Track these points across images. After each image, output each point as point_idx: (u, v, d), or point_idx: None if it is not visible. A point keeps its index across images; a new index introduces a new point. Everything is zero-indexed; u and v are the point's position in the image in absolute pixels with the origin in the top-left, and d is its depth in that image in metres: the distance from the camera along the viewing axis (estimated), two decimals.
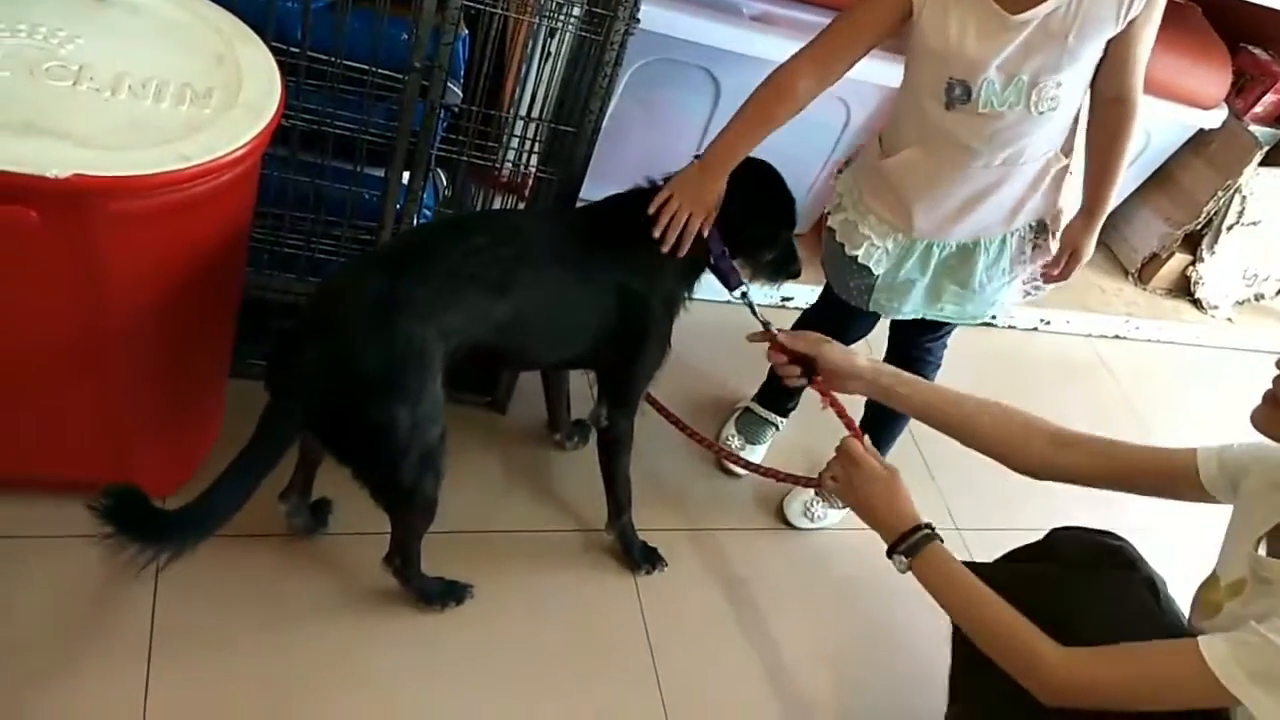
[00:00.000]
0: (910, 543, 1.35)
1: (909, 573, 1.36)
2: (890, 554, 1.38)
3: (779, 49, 1.99)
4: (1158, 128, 2.58)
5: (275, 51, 1.41)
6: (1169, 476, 1.34)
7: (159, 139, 1.15)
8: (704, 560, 1.87)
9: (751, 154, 1.69)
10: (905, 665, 1.80)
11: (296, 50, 1.49)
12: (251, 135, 1.20)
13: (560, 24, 1.58)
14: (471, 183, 1.84)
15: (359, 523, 1.66)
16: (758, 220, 1.61)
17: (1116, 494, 1.41)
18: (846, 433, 1.55)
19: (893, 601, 1.87)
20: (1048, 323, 2.79)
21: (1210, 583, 1.30)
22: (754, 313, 1.60)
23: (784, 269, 1.69)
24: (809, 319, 1.93)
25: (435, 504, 1.46)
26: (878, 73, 2.10)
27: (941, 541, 1.36)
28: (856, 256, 1.65)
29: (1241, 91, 2.59)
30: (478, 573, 1.68)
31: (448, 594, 1.63)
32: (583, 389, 2.00)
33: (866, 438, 1.52)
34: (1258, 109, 2.59)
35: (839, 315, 1.80)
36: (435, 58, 1.49)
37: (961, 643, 1.40)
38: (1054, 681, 1.19)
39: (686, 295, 1.65)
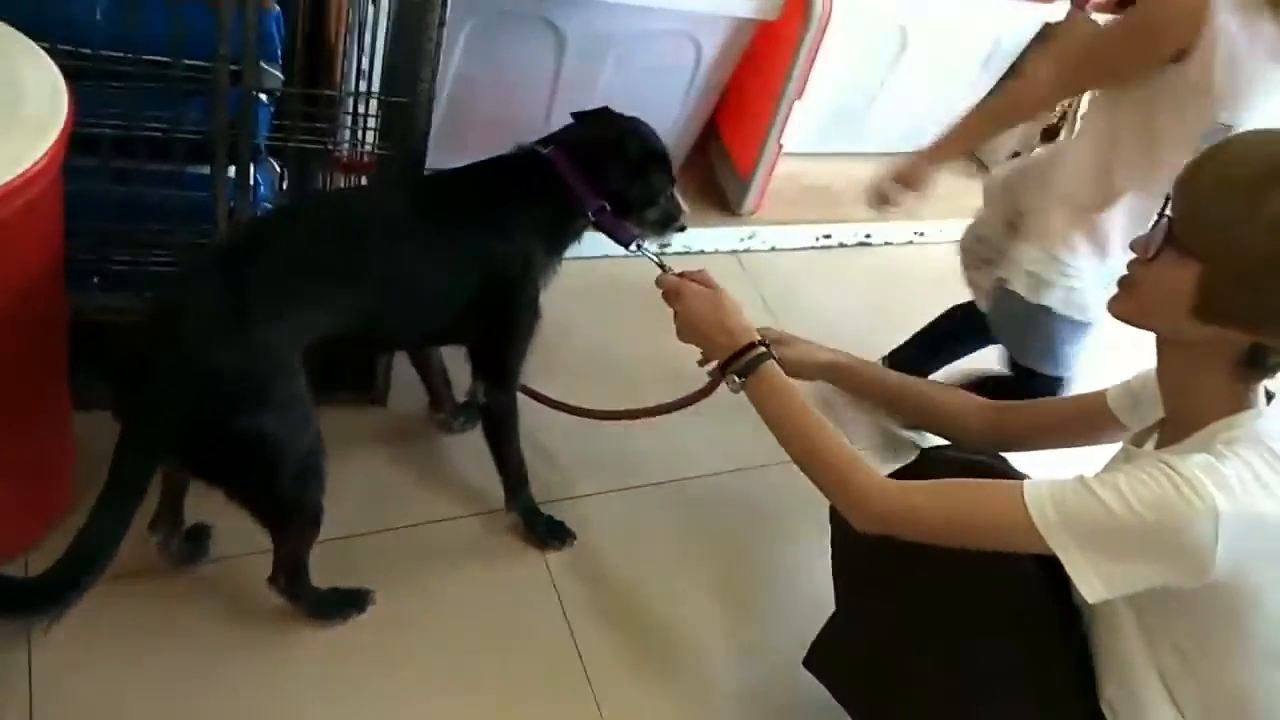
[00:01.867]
0: (744, 361, 1.31)
1: (741, 392, 1.31)
2: (723, 372, 1.34)
3: None
4: (1005, 28, 2.60)
5: (66, 55, 1.29)
6: (1089, 418, 1.38)
7: None
8: (609, 524, 1.83)
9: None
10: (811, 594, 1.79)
11: (89, 52, 1.35)
12: (38, 154, 1.09)
13: None
14: (314, 168, 1.73)
15: (244, 544, 1.57)
16: (634, 177, 1.55)
17: None
18: None
19: (790, 537, 1.87)
20: (922, 234, 2.81)
21: None
22: (656, 262, 1.53)
23: (670, 223, 1.66)
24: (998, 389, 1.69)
25: (320, 512, 1.38)
26: (727, 4, 2.07)
27: (776, 359, 1.32)
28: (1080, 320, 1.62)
29: None
30: (378, 576, 1.61)
31: (347, 604, 1.56)
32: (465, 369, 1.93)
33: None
34: None
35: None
36: (244, 40, 1.38)
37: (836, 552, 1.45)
38: (870, 506, 1.18)
39: (555, 259, 1.59)
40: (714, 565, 1.82)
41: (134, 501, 1.23)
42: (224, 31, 1.37)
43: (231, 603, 1.54)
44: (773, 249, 2.57)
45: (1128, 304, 1.17)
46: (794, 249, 2.60)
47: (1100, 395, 1.38)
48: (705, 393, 1.57)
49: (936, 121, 2.90)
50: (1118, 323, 1.20)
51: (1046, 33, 2.67)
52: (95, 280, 1.59)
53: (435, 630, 1.59)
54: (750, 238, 2.52)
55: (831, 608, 1.48)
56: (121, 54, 1.39)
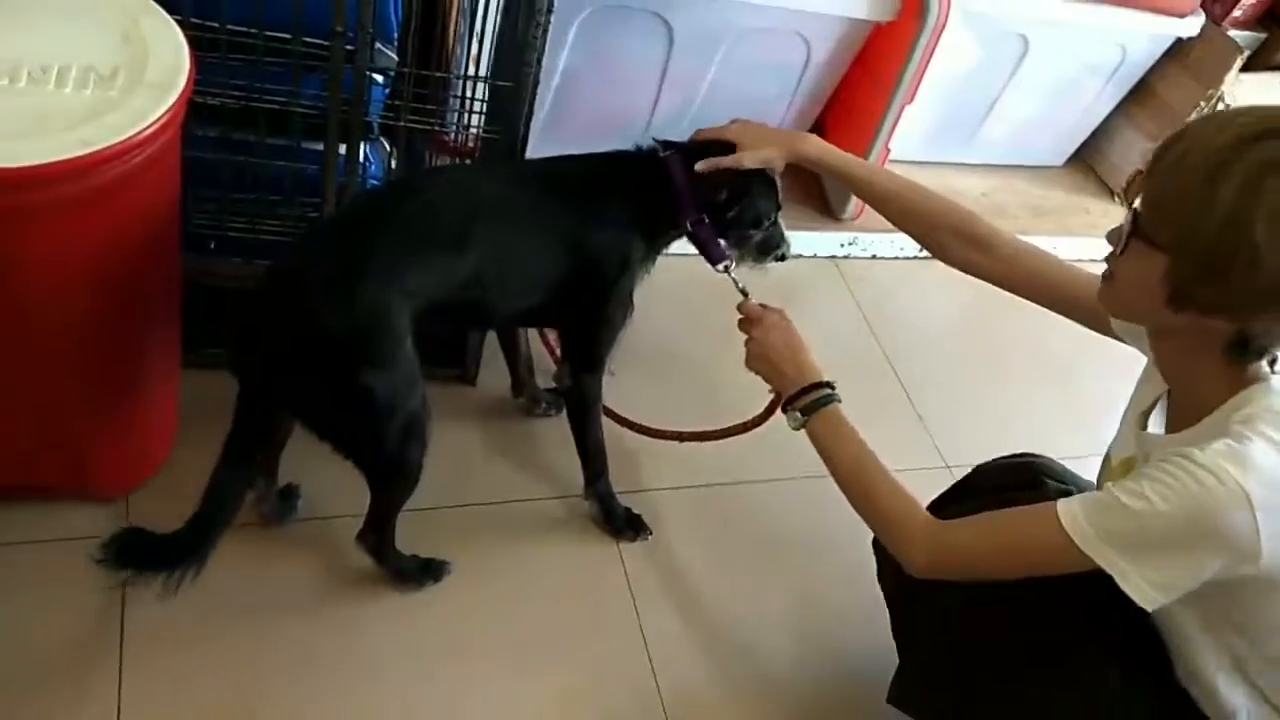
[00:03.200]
0: (810, 399, 1.33)
1: (801, 430, 1.34)
2: (785, 407, 1.36)
3: None
4: (1133, 41, 2.50)
5: (194, 28, 1.36)
6: (1086, 303, 1.28)
7: (61, 126, 1.09)
8: (686, 519, 1.83)
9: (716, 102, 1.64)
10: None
11: (216, 25, 1.42)
12: (159, 113, 1.14)
13: None
14: (424, 148, 1.78)
15: (330, 506, 1.63)
16: (738, 195, 1.54)
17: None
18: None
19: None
20: None
21: (1104, 464, 1.31)
22: (739, 288, 1.54)
23: (771, 250, 1.65)
24: None
25: (419, 471, 1.43)
26: (840, 4, 2.05)
27: (840, 403, 1.34)
28: None
29: None
30: (456, 549, 1.64)
31: (424, 572, 1.59)
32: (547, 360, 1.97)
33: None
34: (1236, 13, 2.50)
35: None
36: (359, 20, 1.43)
37: (894, 598, 1.45)
38: (923, 550, 1.20)
39: (652, 258, 1.61)
40: (787, 567, 1.80)
41: (256, 451, 1.38)
42: (340, 11, 1.41)
43: (317, 562, 1.59)
44: (874, 257, 2.52)
45: (1108, 297, 1.14)
46: (895, 258, 2.54)
47: (1088, 279, 1.31)
48: (764, 418, 1.60)
49: (1054, 135, 2.86)
50: None
51: (1180, 49, 2.57)
52: (211, 245, 1.66)
53: (505, 608, 1.62)
54: (851, 244, 2.49)
55: None
56: (246, 28, 1.44)
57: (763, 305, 1.48)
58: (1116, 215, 2.86)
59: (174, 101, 1.16)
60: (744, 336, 1.47)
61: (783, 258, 1.66)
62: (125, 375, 1.44)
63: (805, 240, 2.44)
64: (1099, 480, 1.33)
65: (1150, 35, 2.48)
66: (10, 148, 1.05)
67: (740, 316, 1.49)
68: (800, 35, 2.12)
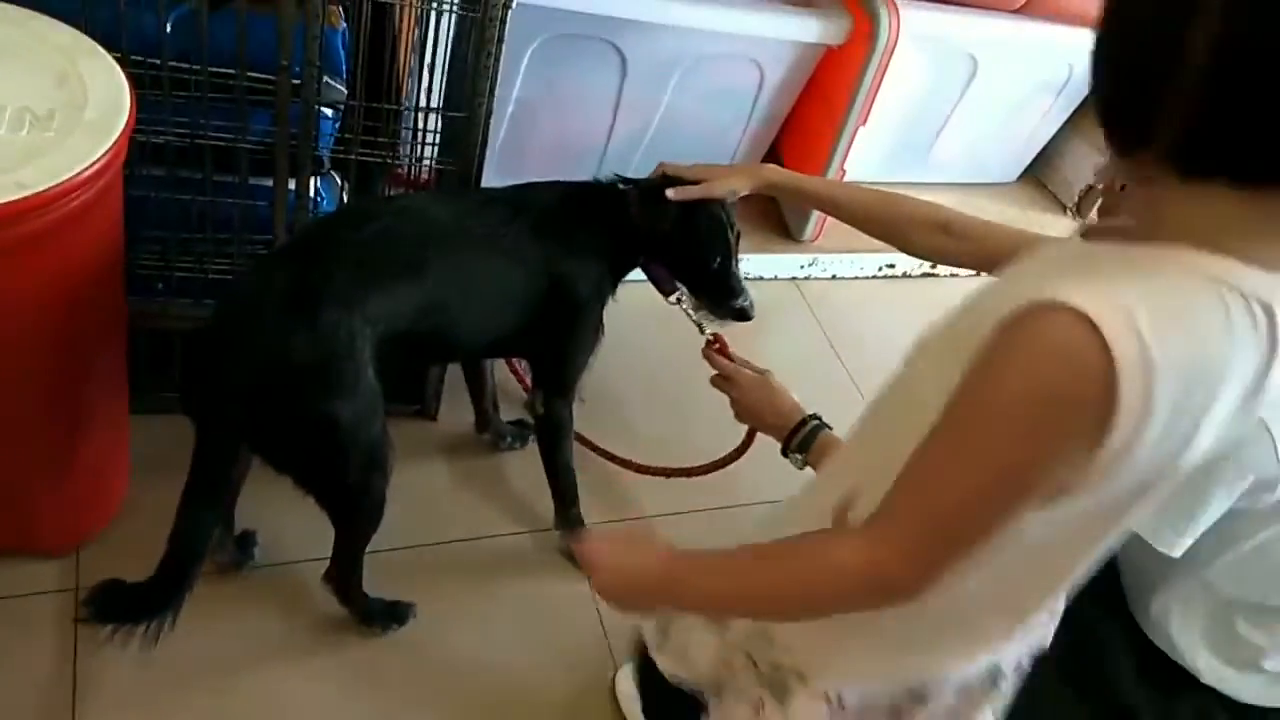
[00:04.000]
0: (800, 437, 1.34)
1: (806, 468, 1.34)
2: (785, 453, 1.37)
3: (687, 16, 1.94)
4: (1080, 57, 2.51)
5: (135, 65, 1.32)
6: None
7: None
8: None
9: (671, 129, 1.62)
10: None
11: (157, 62, 1.39)
12: (98, 154, 1.11)
13: (438, 6, 1.50)
14: (375, 182, 1.75)
15: (287, 551, 1.58)
16: (685, 229, 1.52)
17: None
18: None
19: None
20: None
21: None
22: (693, 320, 1.56)
23: (726, 298, 1.58)
24: None
25: (383, 505, 1.40)
26: (792, 29, 2.06)
27: (830, 429, 1.34)
28: None
29: None
30: (421, 590, 1.60)
31: (389, 615, 1.55)
32: (516, 390, 1.93)
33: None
34: None
35: None
36: (305, 54, 1.40)
37: None
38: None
39: (615, 284, 1.60)
40: None
41: (221, 491, 1.35)
42: (286, 44, 1.39)
43: (277, 609, 1.54)
44: (834, 277, 2.53)
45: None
46: (856, 278, 2.55)
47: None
48: (740, 452, 1.63)
49: (1006, 153, 2.89)
50: None
51: None
52: (159, 286, 1.62)
53: (472, 650, 1.58)
54: (810, 264, 2.49)
55: None
56: (189, 65, 1.41)
57: (740, 362, 1.49)
58: (1066, 228, 2.88)
59: (114, 141, 1.13)
60: (718, 380, 1.49)
61: (743, 314, 1.60)
62: (71, 427, 1.38)
63: (765, 263, 2.44)
64: None
65: None
66: None
67: (713, 375, 1.50)
68: (753, 61, 2.12)
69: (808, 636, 0.94)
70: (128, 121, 1.16)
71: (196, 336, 1.31)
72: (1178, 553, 1.08)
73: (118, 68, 1.22)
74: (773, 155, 2.45)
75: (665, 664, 1.10)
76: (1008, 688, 1.01)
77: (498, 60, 1.45)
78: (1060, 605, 1.00)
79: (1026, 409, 0.68)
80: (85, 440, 1.43)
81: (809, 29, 2.06)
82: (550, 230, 1.47)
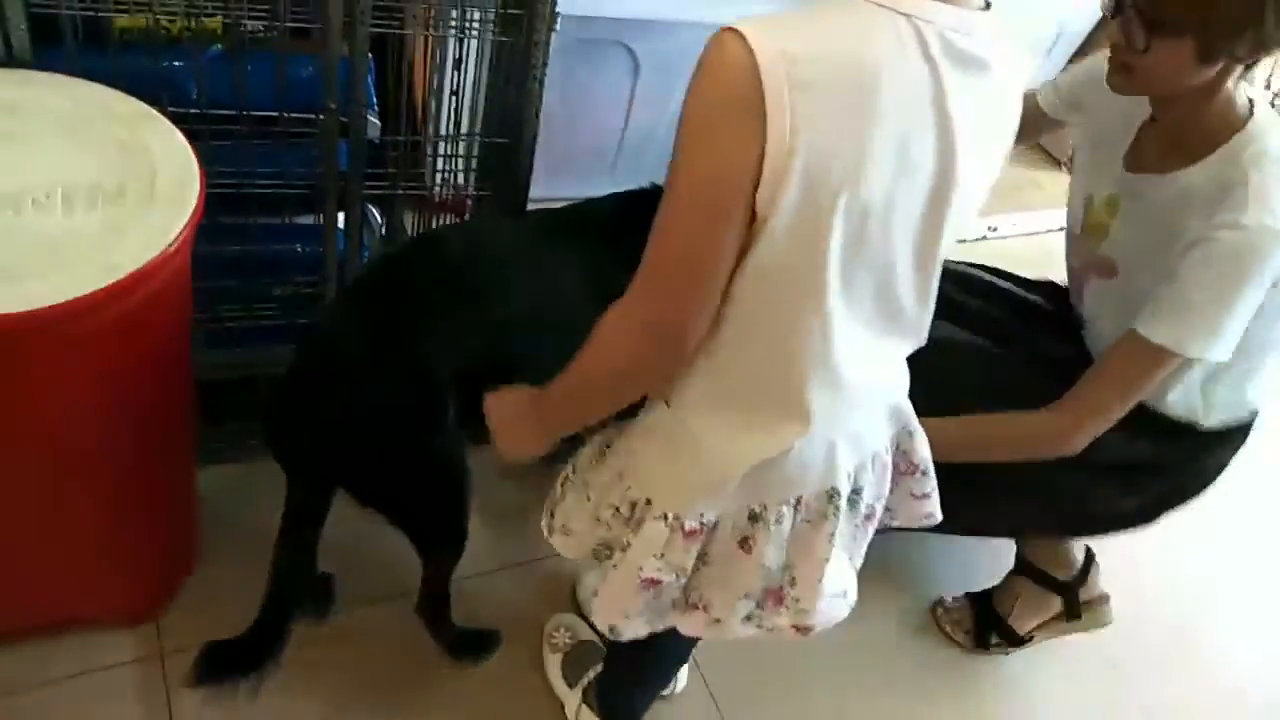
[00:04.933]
0: None
1: None
2: None
3: (697, 10, 1.91)
4: (1067, 14, 2.55)
5: (172, 117, 1.28)
6: (1029, 121, 1.42)
7: (80, 253, 1.02)
8: None
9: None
10: None
11: (197, 111, 1.35)
12: (180, 226, 1.08)
13: (471, 33, 1.47)
14: (409, 212, 1.72)
15: (366, 591, 1.57)
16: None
17: None
18: None
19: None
20: (995, 229, 2.78)
21: (1088, 204, 1.42)
22: None
23: None
24: None
25: (466, 533, 1.40)
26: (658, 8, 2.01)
27: None
28: None
29: None
30: (504, 618, 1.60)
31: (479, 645, 1.54)
32: None
33: None
34: None
35: None
36: (350, 91, 1.37)
37: None
38: (1059, 437, 1.32)
39: None
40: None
41: (315, 533, 1.33)
42: (331, 82, 1.36)
43: (360, 653, 1.53)
44: None
45: (1130, 83, 1.23)
46: None
47: (1032, 104, 1.47)
48: None
49: None
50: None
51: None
52: (203, 337, 1.58)
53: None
54: None
55: None
56: (228, 111, 1.38)
57: None
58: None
59: (192, 210, 1.10)
60: None
61: None
62: (145, 498, 1.35)
63: None
64: (1086, 222, 1.42)
65: (1084, 7, 2.53)
66: (31, 287, 0.97)
67: None
68: (626, 46, 2.09)
69: (641, 463, 1.03)
70: (200, 187, 1.13)
71: (283, 379, 1.28)
72: (1215, 356, 1.22)
73: (177, 131, 1.19)
74: None
75: (559, 545, 1.15)
76: (848, 509, 1.07)
77: (542, 84, 1.43)
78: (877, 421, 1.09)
79: (701, 116, 0.79)
80: (158, 509, 1.40)
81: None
82: (620, 240, 1.45)
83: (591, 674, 1.49)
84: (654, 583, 1.04)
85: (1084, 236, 1.43)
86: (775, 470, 0.99)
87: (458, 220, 1.68)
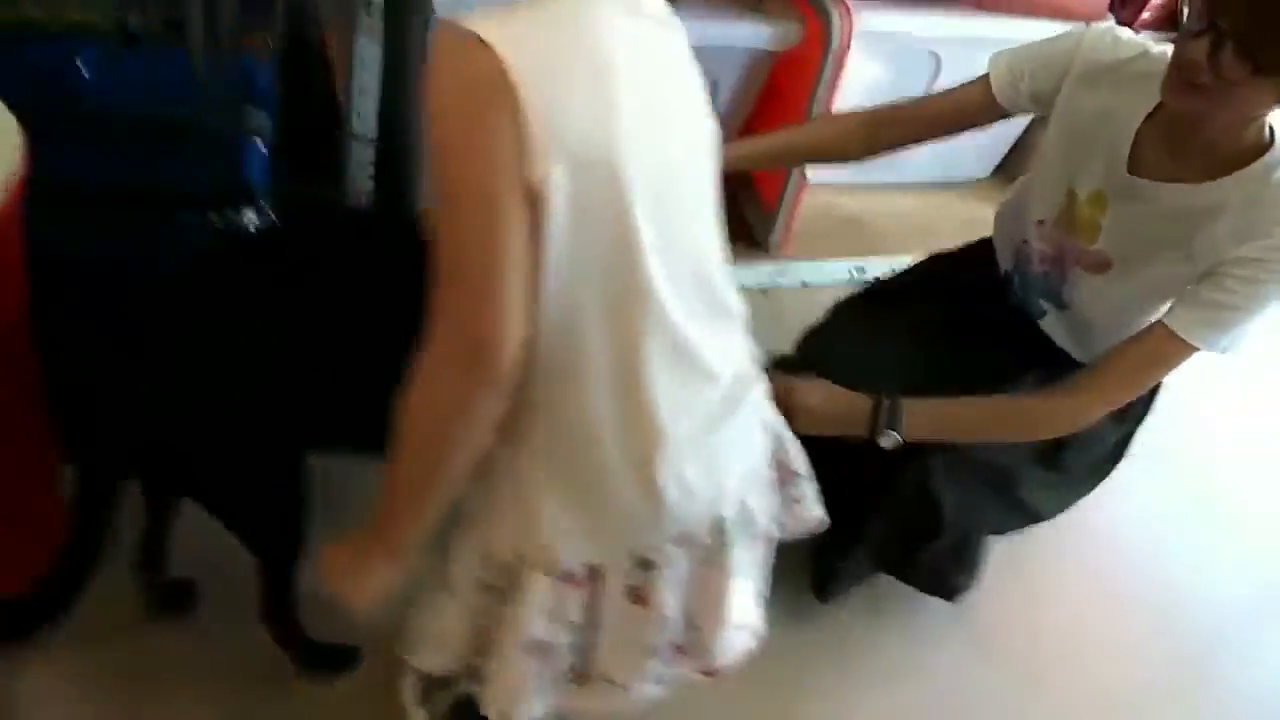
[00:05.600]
0: (887, 414, 1.32)
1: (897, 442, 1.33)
2: (877, 436, 1.33)
3: None
4: None
5: (52, 112, 1.26)
6: (970, 114, 1.45)
7: None
8: None
9: None
10: None
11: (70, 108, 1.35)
12: None
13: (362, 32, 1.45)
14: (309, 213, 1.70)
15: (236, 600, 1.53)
16: None
17: None
18: None
19: None
20: None
21: (1070, 199, 1.37)
22: None
23: None
24: None
25: (303, 534, 1.30)
26: (740, 36, 2.00)
27: (898, 394, 1.34)
28: None
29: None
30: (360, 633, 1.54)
31: (335, 660, 1.49)
32: None
33: None
34: (1145, 14, 2.49)
35: None
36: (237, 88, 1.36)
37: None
38: (1072, 417, 1.33)
39: None
40: None
41: (107, 505, 1.24)
42: (205, 77, 1.35)
43: (213, 663, 1.48)
44: (803, 284, 2.47)
45: (1196, 103, 1.17)
46: (826, 285, 2.49)
47: (981, 89, 1.42)
48: None
49: (978, 148, 2.84)
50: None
51: None
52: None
53: None
54: (779, 274, 2.44)
55: None
56: (107, 108, 1.37)
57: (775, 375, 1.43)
58: None
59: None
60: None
61: None
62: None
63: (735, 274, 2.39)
64: (1071, 216, 1.38)
65: None
66: None
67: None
68: (705, 71, 2.06)
69: (498, 524, 0.96)
70: (20, 160, 1.11)
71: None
72: (1237, 353, 1.26)
73: (7, 112, 1.17)
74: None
75: (432, 662, 1.08)
76: (743, 534, 1.01)
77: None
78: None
79: (453, 116, 0.77)
80: (13, 496, 1.38)
81: (759, 35, 2.02)
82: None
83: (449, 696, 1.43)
84: (543, 647, 0.98)
85: (1065, 230, 1.40)
86: (651, 507, 0.92)
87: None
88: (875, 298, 1.71)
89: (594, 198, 0.81)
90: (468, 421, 0.83)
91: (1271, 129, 1.22)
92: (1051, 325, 1.52)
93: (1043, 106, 1.40)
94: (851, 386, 1.36)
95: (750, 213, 2.45)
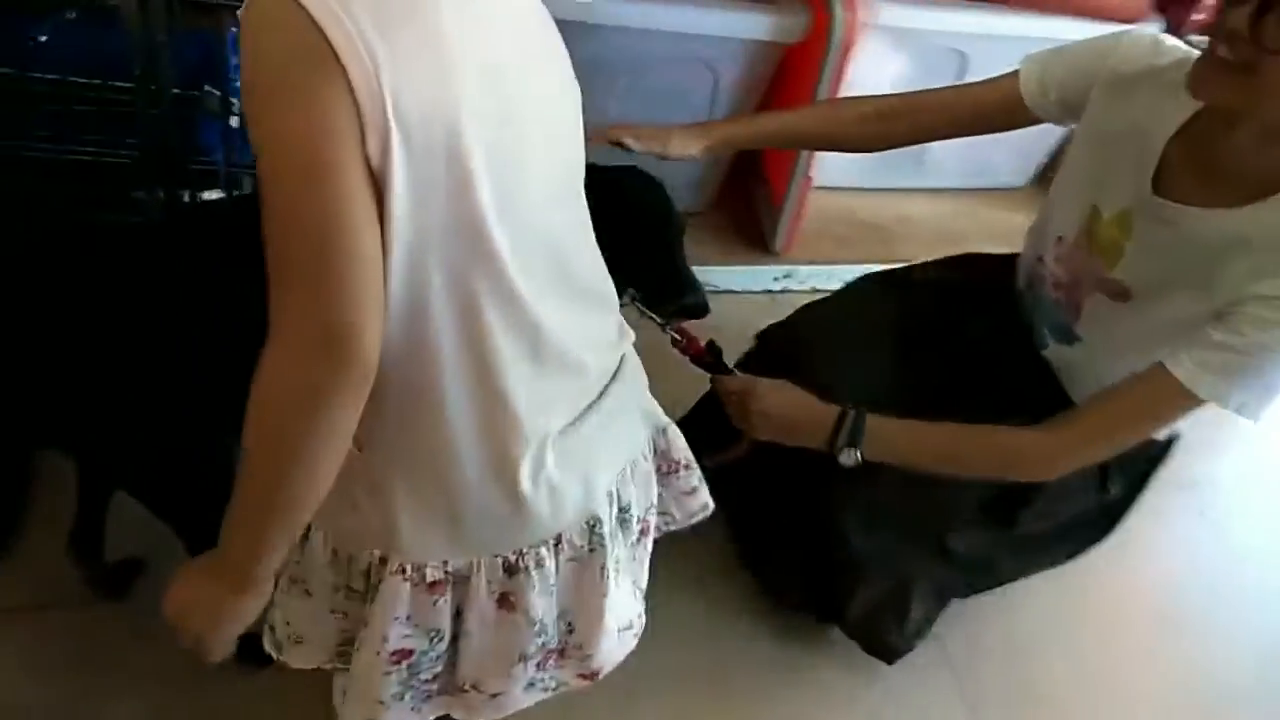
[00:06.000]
0: (849, 429, 1.21)
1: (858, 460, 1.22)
2: (835, 452, 1.22)
3: (621, 15, 1.82)
4: None
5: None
6: (998, 110, 1.31)
7: None
8: None
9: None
10: None
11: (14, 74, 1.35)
12: None
13: None
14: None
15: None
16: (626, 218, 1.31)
17: None
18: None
19: None
20: None
21: (1094, 216, 1.23)
22: (646, 314, 1.37)
23: (673, 296, 1.42)
24: None
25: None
26: (740, 27, 1.92)
27: (866, 410, 1.23)
28: None
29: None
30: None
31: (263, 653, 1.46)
32: None
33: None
34: (1197, 15, 2.31)
35: None
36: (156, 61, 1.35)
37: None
38: (1046, 460, 1.18)
39: None
40: None
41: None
42: (144, 50, 1.33)
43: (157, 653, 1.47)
44: (813, 290, 2.37)
45: (1229, 90, 1.00)
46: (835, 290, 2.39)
47: (1008, 88, 1.29)
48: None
49: (1013, 155, 2.69)
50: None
51: None
52: None
53: None
54: (787, 277, 2.34)
55: None
56: (58, 77, 1.37)
57: (736, 373, 1.35)
58: None
59: None
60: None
61: (698, 309, 1.46)
62: None
63: (740, 275, 2.31)
64: (1093, 233, 1.23)
65: None
66: None
67: (728, 397, 1.31)
68: (704, 62, 1.99)
69: (353, 523, 0.88)
70: None
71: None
72: (1255, 419, 1.09)
73: None
74: (741, 159, 2.31)
75: (295, 658, 1.01)
76: (619, 531, 0.96)
77: None
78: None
79: (271, 81, 0.69)
80: None
81: (760, 26, 1.92)
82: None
83: None
84: (405, 655, 0.92)
85: (1087, 250, 1.25)
86: (514, 509, 0.87)
87: None
88: (891, 284, 1.58)
89: (435, 173, 0.74)
90: (328, 423, 0.74)
91: None
92: (1053, 356, 1.37)
93: (1073, 115, 1.26)
94: (824, 388, 1.25)
95: (763, 214, 2.36)
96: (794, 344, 1.47)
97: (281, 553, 0.81)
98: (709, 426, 1.33)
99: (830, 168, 2.39)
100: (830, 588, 1.44)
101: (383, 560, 0.89)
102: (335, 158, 0.69)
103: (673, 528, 1.11)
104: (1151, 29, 1.26)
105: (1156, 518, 1.51)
